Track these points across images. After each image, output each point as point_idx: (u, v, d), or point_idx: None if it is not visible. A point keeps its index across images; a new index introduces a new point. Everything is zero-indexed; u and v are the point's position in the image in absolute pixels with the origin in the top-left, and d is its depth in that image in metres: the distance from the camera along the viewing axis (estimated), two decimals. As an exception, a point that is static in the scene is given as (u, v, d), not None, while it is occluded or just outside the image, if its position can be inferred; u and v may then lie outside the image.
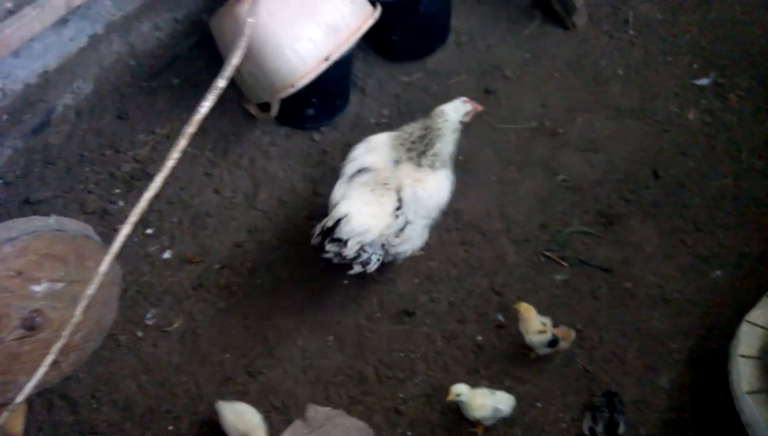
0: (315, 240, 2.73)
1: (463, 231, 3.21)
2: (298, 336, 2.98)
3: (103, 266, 1.90)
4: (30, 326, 2.16)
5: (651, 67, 3.73)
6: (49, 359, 1.80)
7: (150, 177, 3.41)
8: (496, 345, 2.89)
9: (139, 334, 3.01)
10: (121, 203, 3.36)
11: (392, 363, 2.87)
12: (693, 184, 3.28)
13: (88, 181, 3.42)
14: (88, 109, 3.61)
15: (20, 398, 1.94)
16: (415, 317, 2.99)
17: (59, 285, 2.17)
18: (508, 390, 2.69)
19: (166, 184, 3.38)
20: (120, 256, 2.48)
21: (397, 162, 2.86)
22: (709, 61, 3.71)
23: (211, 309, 3.07)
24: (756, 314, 2.60)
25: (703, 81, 3.64)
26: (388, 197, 2.78)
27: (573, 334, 2.79)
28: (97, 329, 2.40)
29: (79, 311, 1.78)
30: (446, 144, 2.86)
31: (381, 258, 2.81)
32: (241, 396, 2.80)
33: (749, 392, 2.41)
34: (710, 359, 2.77)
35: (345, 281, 3.09)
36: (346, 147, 3.15)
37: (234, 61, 2.26)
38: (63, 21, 3.31)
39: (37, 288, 2.11)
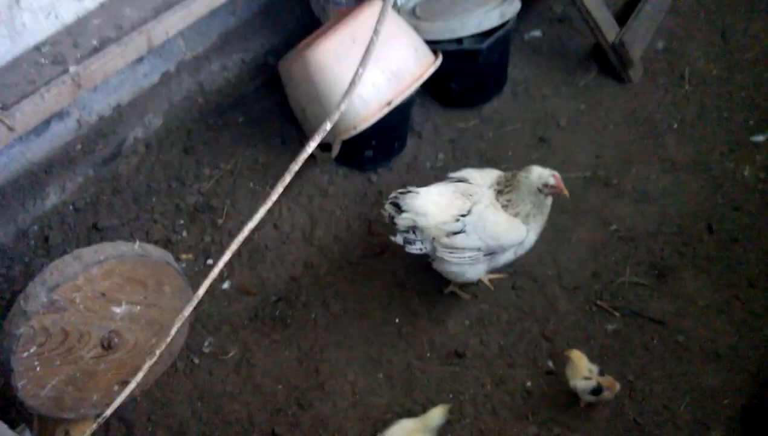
0: (388, 200, 2.95)
1: (515, 276, 3.24)
2: (348, 371, 3.03)
3: (188, 309, 2.02)
4: (108, 346, 2.27)
5: (706, 122, 3.76)
6: (140, 375, 1.88)
7: (213, 210, 3.57)
8: (546, 391, 2.90)
9: (196, 361, 3.10)
10: (184, 234, 3.49)
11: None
12: (747, 240, 3.28)
13: (154, 211, 3.57)
14: (156, 142, 3.77)
15: (109, 411, 2.04)
16: (464, 358, 3.02)
17: (137, 308, 2.29)
18: (557, 438, 2.71)
19: (229, 217, 3.54)
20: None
21: (490, 188, 2.95)
22: (765, 118, 3.72)
23: (266, 340, 3.15)
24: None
25: (759, 138, 3.65)
26: (461, 202, 2.89)
27: (618, 385, 2.77)
28: (167, 353, 2.50)
29: (174, 330, 1.87)
30: (521, 197, 2.88)
31: (424, 250, 2.93)
32: (293, 428, 2.87)
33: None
34: (763, 415, 2.74)
35: (397, 320, 3.15)
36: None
37: (335, 118, 2.17)
38: (139, 59, 3.49)
39: (117, 310, 2.23)
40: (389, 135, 3.63)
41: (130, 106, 3.75)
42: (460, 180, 2.98)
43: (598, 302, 3.13)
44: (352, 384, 3.00)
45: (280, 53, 3.81)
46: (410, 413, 2.87)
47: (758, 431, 2.71)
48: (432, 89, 3.90)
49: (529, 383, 2.93)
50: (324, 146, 3.59)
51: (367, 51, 2.04)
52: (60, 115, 3.43)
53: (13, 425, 2.45)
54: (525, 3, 3.94)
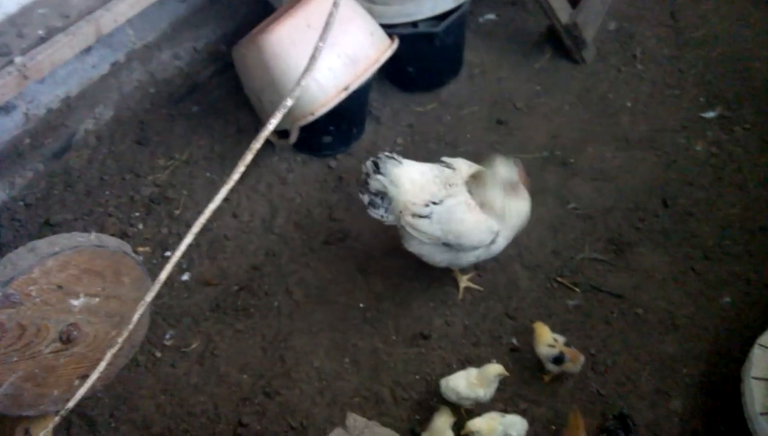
0: (371, 158, 2.92)
1: (477, 257, 3.26)
2: (314, 358, 3.02)
3: (149, 296, 1.97)
4: (67, 340, 2.21)
5: (658, 100, 3.83)
6: (102, 364, 1.84)
7: (169, 201, 3.51)
8: (511, 368, 2.92)
9: (158, 354, 3.05)
10: (140, 226, 3.43)
11: (408, 385, 2.91)
12: (701, 214, 3.35)
13: (108, 204, 3.49)
14: (108, 134, 3.69)
15: (71, 403, 1.99)
16: (430, 340, 3.03)
17: (96, 300, 2.23)
18: (523, 413, 2.73)
19: (186, 208, 3.48)
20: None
21: (470, 182, 2.90)
22: (715, 96, 3.81)
23: (229, 330, 3.11)
24: (768, 338, 2.65)
25: (710, 114, 3.74)
26: (437, 189, 2.85)
27: (582, 358, 2.82)
28: (128, 345, 2.44)
29: (136, 317, 1.83)
30: (490, 191, 2.83)
31: (386, 219, 2.92)
32: (260, 416, 2.84)
33: (763, 413, 2.45)
34: (721, 382, 2.81)
35: (361, 305, 3.14)
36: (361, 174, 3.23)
37: (289, 103, 2.15)
38: (86, 49, 3.41)
39: (75, 302, 2.17)
40: (347, 120, 3.61)
41: (80, 97, 3.67)
42: (449, 166, 2.93)
43: (559, 279, 3.17)
44: (318, 370, 2.98)
45: (233, 40, 3.75)
46: (377, 397, 2.87)
47: (718, 397, 2.78)
48: (389, 73, 3.89)
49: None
50: (282, 133, 3.55)
51: (327, 25, 2.02)
52: (6, 108, 3.34)
53: (-32, 427, 2.38)
54: (478, -14, 3.96)
